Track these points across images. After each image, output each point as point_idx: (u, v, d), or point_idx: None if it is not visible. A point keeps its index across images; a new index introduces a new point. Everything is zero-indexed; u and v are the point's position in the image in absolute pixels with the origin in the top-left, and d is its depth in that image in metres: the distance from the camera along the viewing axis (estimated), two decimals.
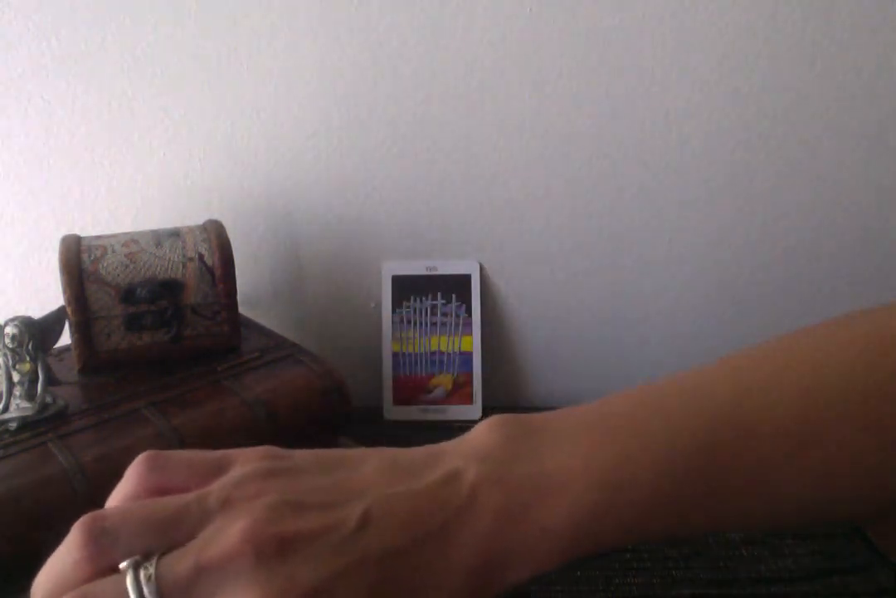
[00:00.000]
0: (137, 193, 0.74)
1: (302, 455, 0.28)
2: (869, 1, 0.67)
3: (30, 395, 0.57)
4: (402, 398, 0.76)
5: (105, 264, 0.61)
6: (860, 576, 0.55)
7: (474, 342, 0.76)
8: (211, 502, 0.26)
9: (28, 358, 0.57)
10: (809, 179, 0.73)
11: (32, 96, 0.71)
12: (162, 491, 0.27)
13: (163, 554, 0.25)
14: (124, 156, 0.73)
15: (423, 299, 0.77)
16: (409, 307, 0.77)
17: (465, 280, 0.77)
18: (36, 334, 0.58)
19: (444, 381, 0.76)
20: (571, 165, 0.73)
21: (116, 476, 0.56)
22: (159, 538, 0.25)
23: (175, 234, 0.65)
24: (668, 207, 0.75)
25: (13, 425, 0.56)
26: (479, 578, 0.26)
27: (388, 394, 0.76)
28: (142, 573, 0.24)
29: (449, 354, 0.76)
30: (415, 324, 0.76)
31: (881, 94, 0.70)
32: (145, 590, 0.24)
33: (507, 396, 0.82)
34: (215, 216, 0.74)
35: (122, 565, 0.24)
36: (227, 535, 0.24)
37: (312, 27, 0.68)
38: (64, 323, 0.61)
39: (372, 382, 0.79)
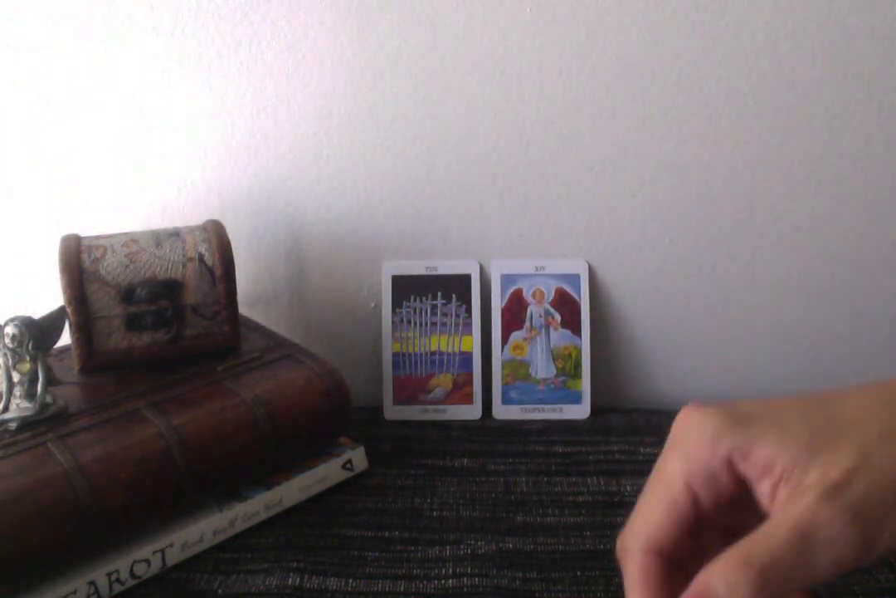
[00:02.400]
0: (137, 193, 0.74)
1: None
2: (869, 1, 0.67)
3: (30, 395, 0.57)
4: (402, 398, 0.76)
5: (105, 264, 0.61)
6: (860, 576, 0.55)
7: (474, 342, 0.76)
8: None
9: (28, 358, 0.57)
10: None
11: (33, 96, 0.71)
12: None
13: None
14: (124, 156, 0.73)
15: (423, 298, 0.77)
16: (409, 307, 0.77)
17: (465, 280, 0.77)
18: (36, 334, 0.58)
19: (444, 381, 0.76)
20: (571, 165, 0.73)
21: (116, 476, 0.56)
22: None
23: (175, 234, 0.65)
24: (666, 208, 0.75)
25: (13, 425, 0.56)
26: None
27: (388, 394, 0.76)
28: None
29: (449, 354, 0.76)
30: (415, 324, 0.76)
31: (882, 93, 0.70)
32: None
33: None
34: (215, 216, 0.74)
35: None
36: None
37: (312, 27, 0.68)
38: (64, 323, 0.61)
39: (372, 382, 0.79)
